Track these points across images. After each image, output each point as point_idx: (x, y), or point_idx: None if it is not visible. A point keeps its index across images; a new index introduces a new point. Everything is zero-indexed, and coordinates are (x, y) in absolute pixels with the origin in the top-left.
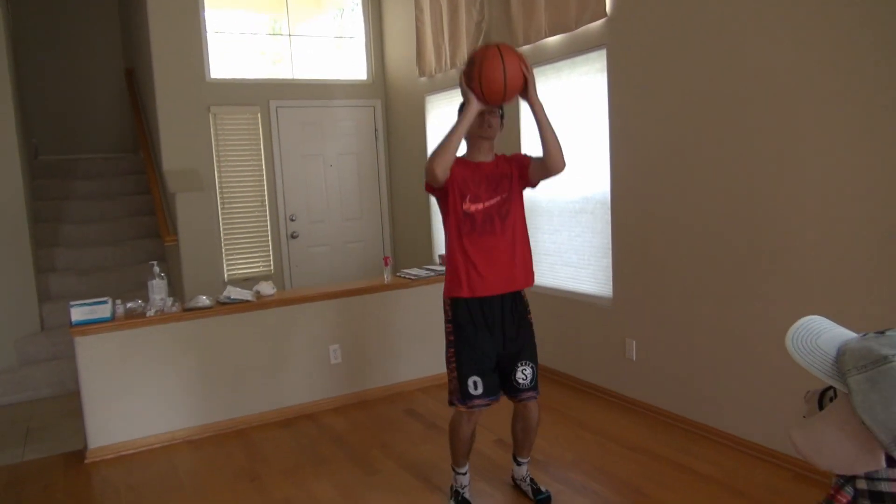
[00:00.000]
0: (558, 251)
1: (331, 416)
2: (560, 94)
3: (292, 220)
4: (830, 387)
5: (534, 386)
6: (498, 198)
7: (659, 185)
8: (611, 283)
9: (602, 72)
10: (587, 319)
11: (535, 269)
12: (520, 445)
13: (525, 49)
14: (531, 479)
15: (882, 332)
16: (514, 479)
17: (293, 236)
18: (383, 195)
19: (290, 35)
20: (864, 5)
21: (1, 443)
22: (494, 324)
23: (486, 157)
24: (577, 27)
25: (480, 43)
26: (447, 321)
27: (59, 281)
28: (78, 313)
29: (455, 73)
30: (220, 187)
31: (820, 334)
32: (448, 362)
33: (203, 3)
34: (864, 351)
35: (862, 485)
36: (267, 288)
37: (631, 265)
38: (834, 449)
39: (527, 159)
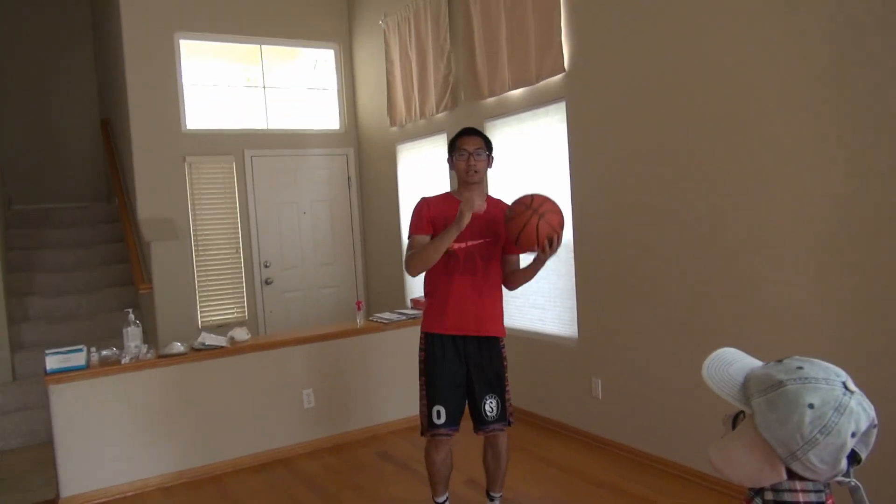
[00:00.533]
0: (525, 293)
1: (304, 460)
2: (523, 143)
3: (266, 266)
4: (742, 411)
5: (500, 417)
6: (482, 240)
7: (619, 229)
8: (576, 323)
9: (562, 122)
10: (554, 359)
11: (505, 310)
12: (492, 477)
13: (490, 101)
14: None
15: (780, 361)
16: None
17: (267, 282)
18: (356, 240)
19: (264, 87)
20: (828, 33)
21: None
22: (467, 359)
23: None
24: (537, 81)
25: (448, 96)
26: (420, 356)
27: (32, 330)
28: (53, 361)
29: (424, 124)
30: (195, 234)
31: (731, 364)
32: (420, 392)
33: (179, 55)
34: (764, 377)
35: (769, 496)
36: (241, 333)
37: (595, 306)
38: (743, 464)
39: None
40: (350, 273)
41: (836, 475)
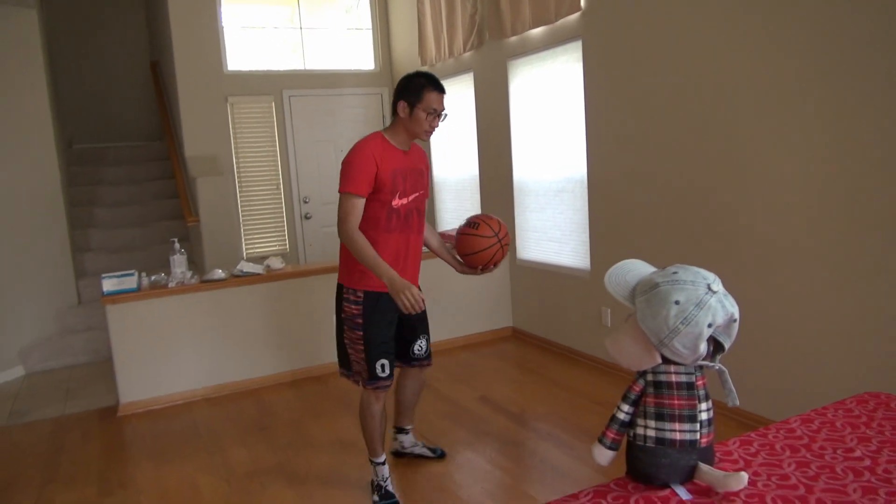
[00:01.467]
0: (543, 227)
1: (335, 378)
2: (542, 82)
3: (305, 202)
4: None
5: (427, 354)
6: (416, 193)
7: (631, 165)
8: (588, 256)
9: (579, 61)
10: (568, 290)
11: (524, 244)
12: (407, 410)
13: (512, 40)
14: (424, 444)
15: (665, 269)
16: (402, 448)
17: (307, 217)
18: None
19: (301, 28)
20: None
21: (45, 400)
22: (399, 309)
23: (407, 145)
24: (556, 20)
25: (474, 35)
26: (356, 311)
27: (94, 259)
28: (108, 284)
29: (452, 63)
30: (238, 172)
31: (629, 272)
32: (353, 347)
33: None
34: (647, 281)
35: (650, 377)
36: (276, 262)
37: (606, 239)
38: (629, 352)
39: (429, 173)
40: None
41: (697, 359)
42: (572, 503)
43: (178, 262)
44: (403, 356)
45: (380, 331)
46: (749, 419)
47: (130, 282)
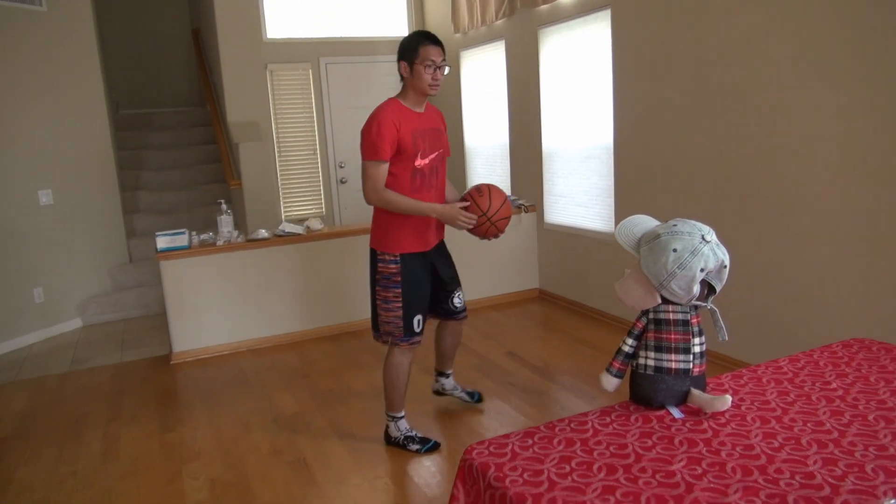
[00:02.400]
0: (570, 193)
1: (370, 333)
2: (573, 50)
3: (341, 167)
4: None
5: (464, 308)
6: (436, 152)
7: (656, 133)
8: (613, 220)
9: (607, 29)
10: (594, 253)
11: (552, 208)
12: (447, 357)
13: (543, 8)
14: (462, 388)
15: (667, 222)
16: (443, 390)
17: (342, 181)
18: None
19: None
20: None
21: (103, 349)
22: (434, 266)
23: (422, 107)
24: None
25: (506, 2)
26: (393, 270)
27: (142, 220)
28: (162, 241)
29: (485, 31)
30: (277, 137)
31: (637, 225)
32: (388, 306)
33: None
34: (650, 232)
35: (651, 315)
36: (316, 223)
37: (630, 203)
38: (634, 293)
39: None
40: None
41: (692, 299)
42: (582, 419)
43: (225, 222)
44: (443, 310)
45: (416, 289)
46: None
47: (182, 240)
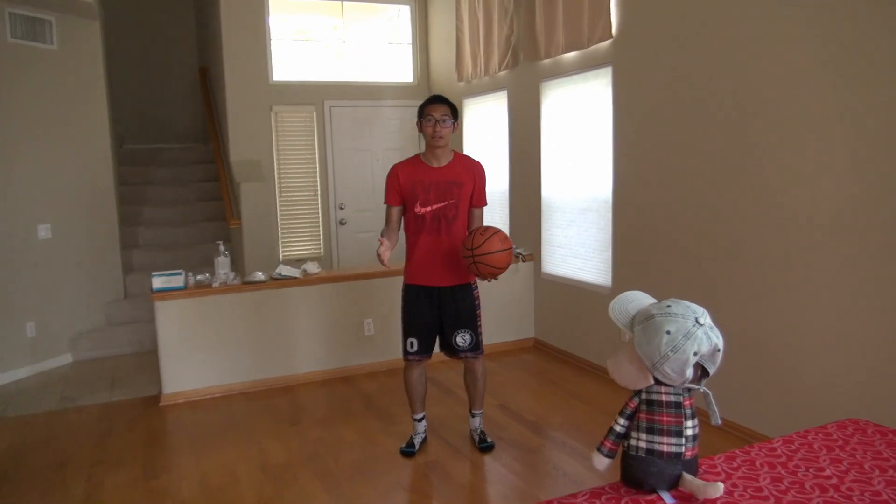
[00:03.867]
0: (569, 244)
1: (363, 379)
2: (574, 104)
3: (341, 208)
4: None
5: (472, 347)
6: (445, 202)
7: (656, 189)
8: (611, 273)
9: (609, 86)
10: (590, 305)
11: (550, 259)
12: (471, 397)
13: (546, 62)
14: (480, 431)
15: (661, 301)
16: (470, 430)
17: (342, 223)
18: None
19: (345, 41)
20: (857, 19)
21: (93, 387)
22: (439, 305)
23: (440, 161)
24: (588, 46)
25: (509, 55)
26: (403, 297)
27: (141, 255)
28: (158, 282)
29: (488, 81)
30: (279, 177)
31: (631, 302)
32: (401, 326)
33: (268, 9)
34: (644, 311)
35: (643, 395)
36: (313, 267)
37: (628, 259)
38: (627, 373)
39: (479, 187)
40: None
41: (684, 382)
42: (571, 502)
43: (222, 264)
44: (450, 348)
45: (414, 315)
46: (746, 434)
47: (178, 280)
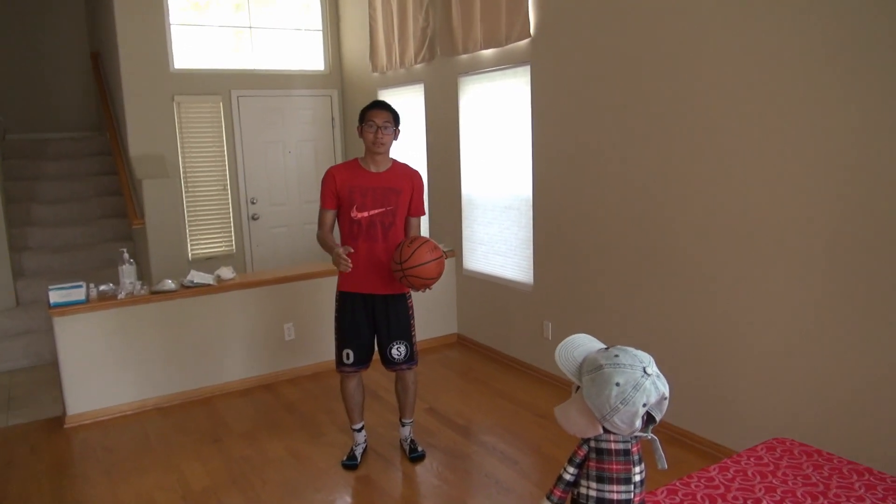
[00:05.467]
0: (490, 241)
1: (285, 386)
2: (492, 100)
3: (253, 202)
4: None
5: (407, 359)
6: (382, 209)
7: (574, 186)
8: (532, 271)
9: (527, 84)
10: (512, 302)
11: (471, 255)
12: (401, 406)
13: (464, 58)
14: (411, 440)
15: (607, 348)
16: (400, 440)
17: (254, 218)
18: None
19: (251, 27)
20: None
21: None
22: (373, 313)
23: (380, 167)
24: (506, 43)
25: (426, 48)
26: (336, 306)
27: (33, 258)
28: (56, 296)
29: (404, 73)
30: (185, 171)
31: (577, 348)
32: (335, 336)
33: None
34: (592, 360)
35: (592, 444)
36: (227, 272)
37: (549, 256)
38: (575, 421)
39: (417, 196)
40: None
41: (633, 432)
42: None
43: (128, 273)
44: (384, 359)
45: (350, 325)
46: (680, 434)
47: (79, 293)
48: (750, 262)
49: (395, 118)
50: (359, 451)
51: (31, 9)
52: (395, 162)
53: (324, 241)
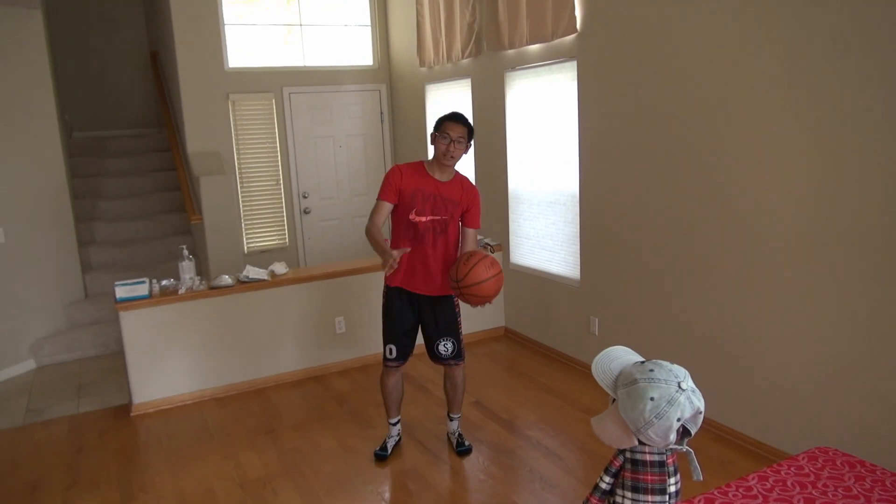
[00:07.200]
0: (536, 236)
1: (336, 378)
2: (538, 95)
3: (305, 196)
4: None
5: (454, 355)
6: (439, 217)
7: (621, 182)
8: (579, 267)
9: (574, 80)
10: (559, 297)
11: (518, 249)
12: (450, 401)
13: (510, 53)
14: (458, 434)
15: (643, 363)
16: (447, 433)
17: (306, 212)
18: None
19: (301, 24)
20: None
21: (59, 396)
22: (419, 311)
23: (444, 176)
24: (552, 39)
25: (472, 43)
26: (384, 302)
27: (99, 252)
28: (121, 291)
29: (451, 68)
30: (240, 167)
31: (613, 360)
32: (382, 330)
33: None
34: (627, 374)
35: (627, 455)
36: (280, 268)
37: (595, 252)
38: (611, 433)
39: (473, 209)
40: None
41: (668, 444)
42: None
43: (187, 269)
44: (433, 355)
45: (394, 322)
46: (720, 430)
47: (142, 289)
48: (799, 266)
49: (470, 134)
50: (391, 444)
51: (94, 12)
52: (458, 174)
53: (374, 237)
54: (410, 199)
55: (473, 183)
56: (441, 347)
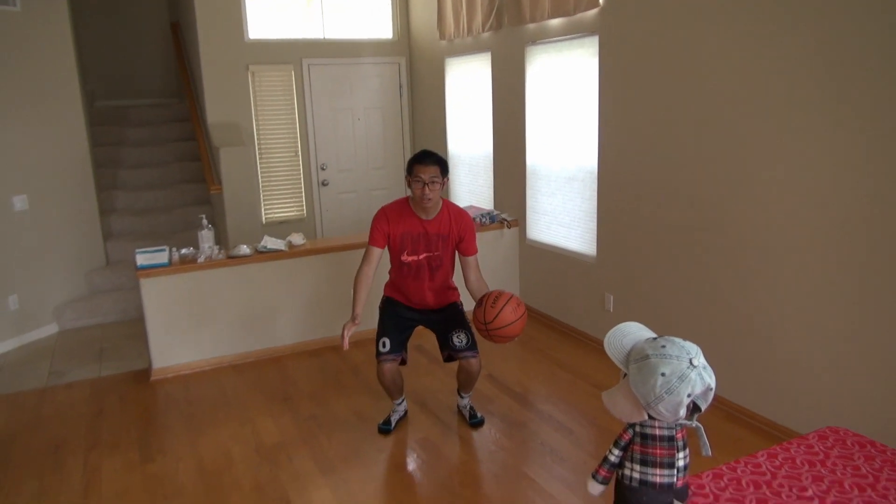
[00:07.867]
0: (553, 212)
1: (352, 349)
2: (559, 70)
3: (323, 168)
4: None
5: (469, 346)
6: (430, 253)
7: (640, 159)
8: (595, 243)
9: (595, 55)
10: (574, 273)
11: (534, 225)
12: (462, 387)
13: (531, 27)
14: (470, 407)
15: (655, 339)
16: (458, 406)
17: (324, 184)
18: (406, 146)
19: None
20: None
21: (81, 360)
22: (422, 316)
23: (429, 214)
24: (574, 13)
25: (493, 16)
26: (379, 306)
27: (119, 220)
28: (142, 259)
29: (471, 41)
30: (259, 139)
31: (626, 336)
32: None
33: None
34: (639, 350)
35: (637, 429)
36: (298, 239)
37: (612, 229)
38: (621, 407)
39: (468, 237)
40: (400, 177)
41: (678, 419)
42: None
43: (206, 238)
44: (449, 349)
45: (388, 320)
46: (730, 408)
47: (162, 257)
48: (814, 246)
49: (443, 170)
50: (395, 418)
51: None
52: (444, 205)
53: (355, 292)
54: (400, 242)
55: (462, 207)
56: (455, 339)
